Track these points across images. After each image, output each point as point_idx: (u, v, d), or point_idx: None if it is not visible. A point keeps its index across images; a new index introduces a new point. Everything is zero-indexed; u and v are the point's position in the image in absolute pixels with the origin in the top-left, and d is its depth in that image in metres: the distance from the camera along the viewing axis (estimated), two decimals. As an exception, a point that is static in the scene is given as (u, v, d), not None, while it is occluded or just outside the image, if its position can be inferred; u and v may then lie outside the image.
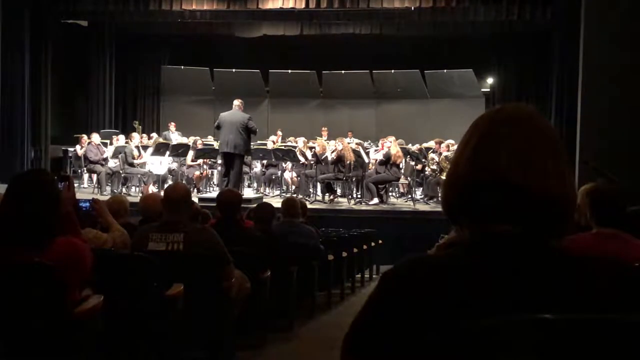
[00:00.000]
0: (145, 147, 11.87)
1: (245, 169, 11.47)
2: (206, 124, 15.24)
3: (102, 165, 11.65)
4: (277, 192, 11.96)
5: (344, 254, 6.71)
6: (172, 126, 14.27)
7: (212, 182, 12.52)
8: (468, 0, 12.39)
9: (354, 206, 10.82)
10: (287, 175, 11.92)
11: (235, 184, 9.81)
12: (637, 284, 0.97)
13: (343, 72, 16.04)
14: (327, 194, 11.15)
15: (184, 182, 11.18)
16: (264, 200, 10.72)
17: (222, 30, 15.42)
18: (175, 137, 13.63)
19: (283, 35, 14.98)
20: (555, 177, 0.99)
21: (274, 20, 14.40)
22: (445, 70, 15.63)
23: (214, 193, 10.72)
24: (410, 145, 12.00)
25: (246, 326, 4.23)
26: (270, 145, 12.18)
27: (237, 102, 10.13)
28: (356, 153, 11.09)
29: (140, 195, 9.19)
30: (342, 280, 6.88)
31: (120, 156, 11.43)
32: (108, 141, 12.58)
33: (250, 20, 14.60)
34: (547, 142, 1.01)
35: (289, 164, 11.81)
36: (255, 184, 12.82)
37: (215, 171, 12.40)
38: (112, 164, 11.71)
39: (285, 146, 12.14)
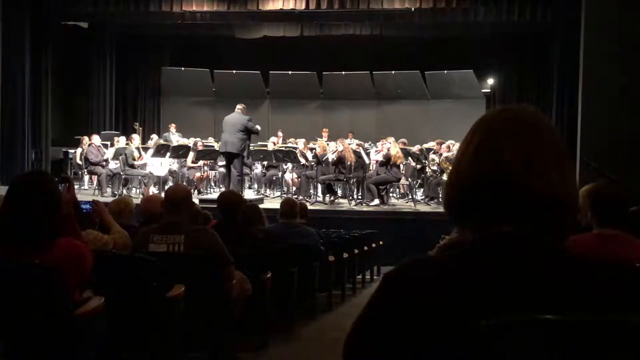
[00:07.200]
0: (145, 149, 11.87)
1: (246, 170, 11.47)
2: (206, 125, 15.26)
3: (102, 166, 11.65)
4: (278, 194, 11.95)
5: (345, 255, 6.71)
6: (172, 127, 14.26)
7: (212, 184, 12.52)
8: (468, 1, 12.37)
9: (354, 207, 10.82)
10: (288, 176, 11.91)
11: (236, 186, 9.84)
12: (638, 285, 0.97)
13: (343, 73, 16.02)
14: (328, 195, 11.14)
15: (184, 183, 11.18)
16: (265, 202, 10.75)
17: (223, 31, 15.41)
18: (176, 138, 13.62)
19: (283, 37, 14.96)
20: (558, 178, 0.99)
21: (274, 21, 14.39)
22: (445, 71, 15.62)
23: (214, 194, 10.73)
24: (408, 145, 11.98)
25: (247, 327, 4.23)
26: (270, 147, 12.17)
27: (239, 106, 10.40)
28: (357, 154, 11.08)
29: (141, 196, 9.20)
30: (343, 281, 6.89)
31: (120, 158, 11.42)
32: (109, 143, 12.59)
33: (250, 21, 14.59)
34: (549, 143, 1.01)
35: (289, 165, 11.81)
36: (255, 186, 12.82)
37: (215, 172, 12.40)
38: (113, 165, 11.71)
39: (285, 147, 12.14)
